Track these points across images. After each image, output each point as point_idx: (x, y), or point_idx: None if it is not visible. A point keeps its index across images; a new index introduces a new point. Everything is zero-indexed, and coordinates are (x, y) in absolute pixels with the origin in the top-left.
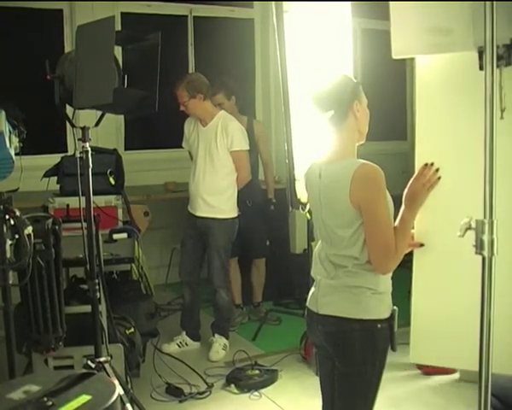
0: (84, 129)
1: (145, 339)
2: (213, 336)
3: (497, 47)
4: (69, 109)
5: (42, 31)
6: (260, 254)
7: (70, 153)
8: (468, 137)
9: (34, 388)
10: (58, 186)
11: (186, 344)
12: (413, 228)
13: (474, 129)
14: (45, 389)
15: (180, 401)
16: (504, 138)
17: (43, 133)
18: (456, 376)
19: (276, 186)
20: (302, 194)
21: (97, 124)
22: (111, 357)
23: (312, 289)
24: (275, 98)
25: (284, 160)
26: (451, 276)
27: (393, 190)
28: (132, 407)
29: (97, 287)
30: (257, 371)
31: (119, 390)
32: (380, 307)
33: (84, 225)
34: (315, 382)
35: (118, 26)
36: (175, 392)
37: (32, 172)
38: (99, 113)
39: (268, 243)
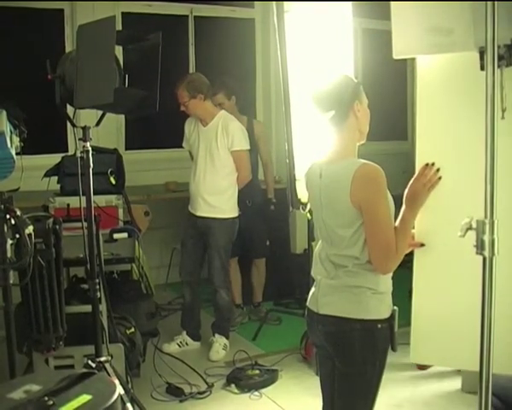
0: (84, 129)
1: (145, 339)
2: (214, 335)
3: (498, 47)
4: (70, 109)
5: (43, 30)
6: (260, 254)
7: (71, 153)
8: (468, 137)
9: (35, 387)
10: (59, 186)
11: (186, 344)
12: (413, 228)
13: (475, 129)
14: (46, 389)
15: (180, 401)
16: (505, 138)
17: (43, 133)
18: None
19: (277, 186)
20: (303, 194)
21: (98, 124)
22: (111, 357)
23: (313, 289)
24: (275, 98)
25: (285, 159)
26: (452, 276)
27: (394, 190)
28: (133, 406)
29: (98, 287)
30: (257, 371)
31: (120, 390)
32: (380, 307)
33: (85, 224)
34: (315, 382)
35: (118, 26)
36: (175, 392)
37: (33, 172)
38: (100, 112)
39: (268, 242)
